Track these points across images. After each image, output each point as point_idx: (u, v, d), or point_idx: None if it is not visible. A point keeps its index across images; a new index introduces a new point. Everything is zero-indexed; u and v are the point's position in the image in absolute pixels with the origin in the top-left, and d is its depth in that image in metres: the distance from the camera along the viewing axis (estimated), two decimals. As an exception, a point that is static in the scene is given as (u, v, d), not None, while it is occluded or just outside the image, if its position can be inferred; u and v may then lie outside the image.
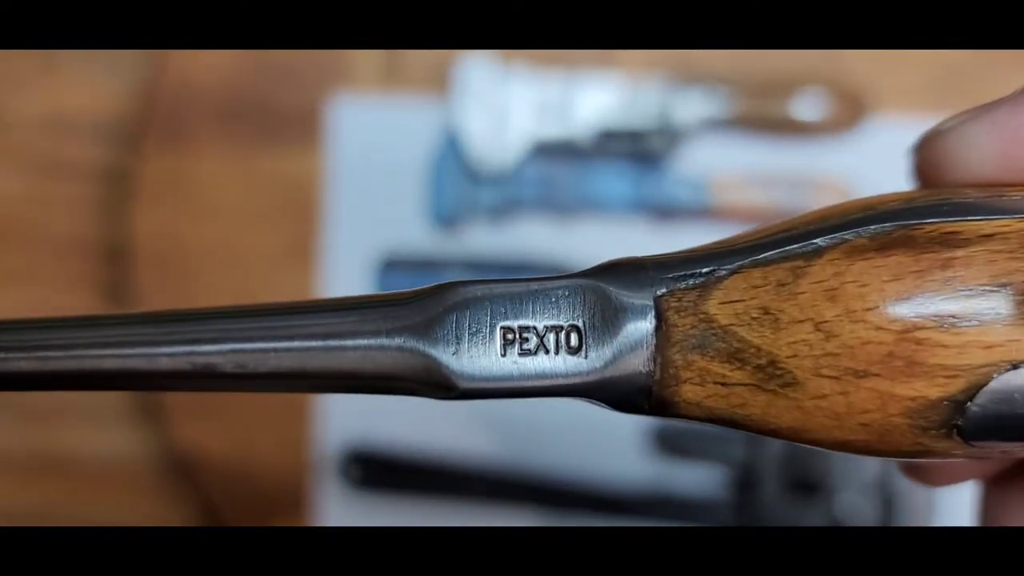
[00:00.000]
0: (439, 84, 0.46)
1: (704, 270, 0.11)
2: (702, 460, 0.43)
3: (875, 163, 0.45)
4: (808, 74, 0.46)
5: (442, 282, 0.12)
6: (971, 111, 0.13)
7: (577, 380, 0.11)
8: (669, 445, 0.43)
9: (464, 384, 0.11)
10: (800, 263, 0.10)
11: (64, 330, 0.13)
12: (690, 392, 0.11)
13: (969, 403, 0.10)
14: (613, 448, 0.45)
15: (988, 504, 0.15)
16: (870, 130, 0.45)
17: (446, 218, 0.45)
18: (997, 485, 0.15)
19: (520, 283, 0.12)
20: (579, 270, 0.12)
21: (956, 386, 0.10)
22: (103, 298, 0.49)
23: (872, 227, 0.10)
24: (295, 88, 0.47)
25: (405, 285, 0.14)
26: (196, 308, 0.13)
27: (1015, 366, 0.10)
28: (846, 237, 0.10)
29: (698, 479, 0.44)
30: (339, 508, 0.45)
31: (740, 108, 0.44)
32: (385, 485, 0.45)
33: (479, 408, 0.45)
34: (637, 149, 0.44)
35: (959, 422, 0.10)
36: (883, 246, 0.10)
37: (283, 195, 0.46)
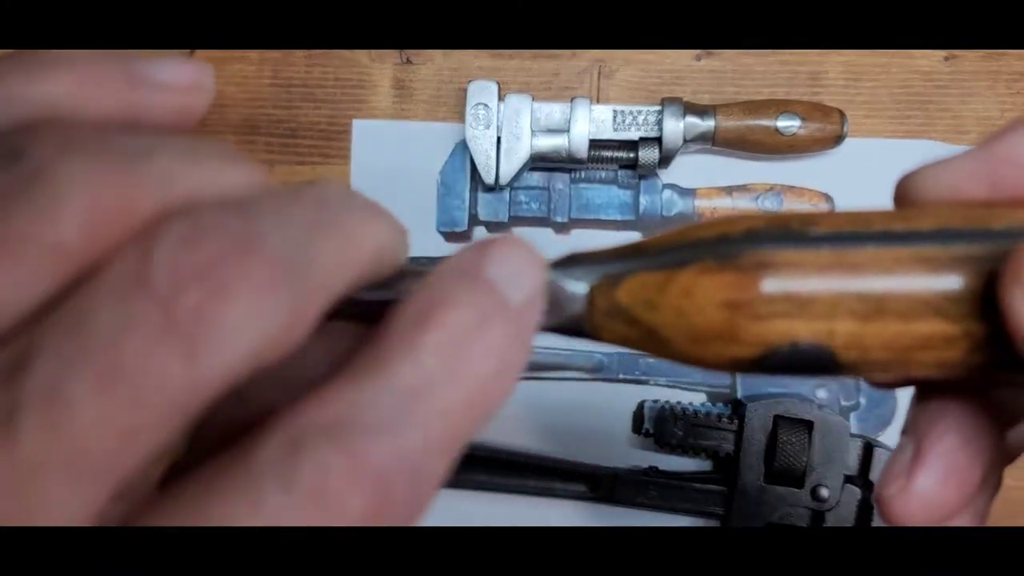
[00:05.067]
0: (446, 106, 0.49)
1: (617, 272, 0.18)
2: (690, 452, 0.46)
3: (855, 178, 0.48)
4: (791, 94, 0.49)
5: None
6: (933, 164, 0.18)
7: (546, 324, 0.18)
8: (659, 439, 0.46)
9: None
10: (671, 273, 0.17)
11: None
12: (605, 334, 0.18)
13: (766, 359, 0.17)
14: (610, 442, 0.48)
15: (913, 418, 0.18)
16: (850, 147, 0.48)
17: (452, 225, 0.48)
18: (919, 403, 0.18)
19: None
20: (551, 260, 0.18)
21: (759, 352, 0.17)
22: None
23: (718, 251, 0.17)
24: (317, 107, 0.50)
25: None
26: None
27: (794, 343, 0.17)
28: (701, 257, 0.17)
29: (687, 466, 0.47)
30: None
31: (728, 126, 0.47)
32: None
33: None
34: (631, 162, 0.47)
35: (761, 367, 0.17)
36: (722, 267, 0.17)
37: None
